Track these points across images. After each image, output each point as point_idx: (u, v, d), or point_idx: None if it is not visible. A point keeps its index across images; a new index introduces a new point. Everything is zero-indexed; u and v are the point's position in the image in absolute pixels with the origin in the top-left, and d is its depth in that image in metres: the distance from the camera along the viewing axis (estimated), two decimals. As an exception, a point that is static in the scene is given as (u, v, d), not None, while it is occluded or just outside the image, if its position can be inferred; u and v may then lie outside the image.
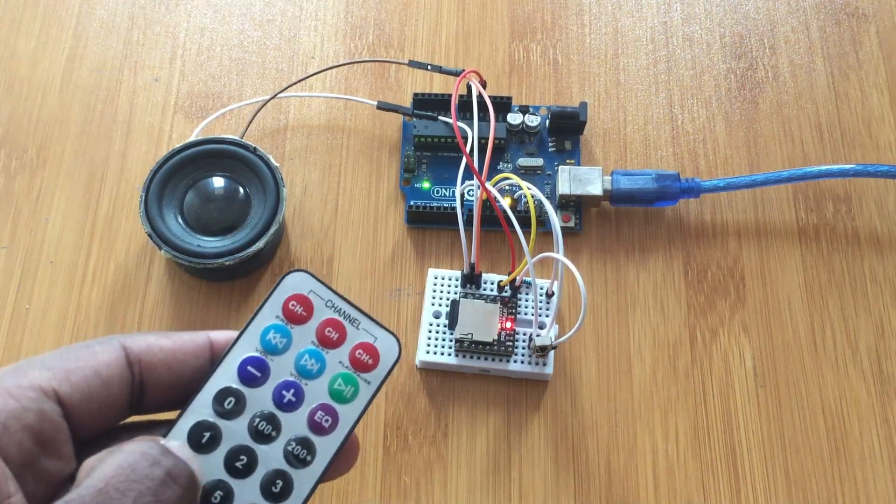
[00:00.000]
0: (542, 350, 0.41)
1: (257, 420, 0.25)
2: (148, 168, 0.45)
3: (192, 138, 0.45)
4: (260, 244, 0.43)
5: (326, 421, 0.26)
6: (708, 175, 0.48)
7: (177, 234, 0.43)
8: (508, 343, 0.42)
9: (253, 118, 0.48)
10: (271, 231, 0.43)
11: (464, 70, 0.45)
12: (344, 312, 0.27)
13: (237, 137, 0.45)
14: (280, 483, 0.25)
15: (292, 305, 0.27)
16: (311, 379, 0.26)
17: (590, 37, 0.52)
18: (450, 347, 0.43)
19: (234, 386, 0.25)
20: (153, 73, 0.51)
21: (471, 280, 0.43)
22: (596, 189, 0.46)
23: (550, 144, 0.49)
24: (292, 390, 0.26)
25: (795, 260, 0.46)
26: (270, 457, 0.25)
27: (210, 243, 0.43)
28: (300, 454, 0.25)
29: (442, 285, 0.44)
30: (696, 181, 0.46)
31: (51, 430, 0.23)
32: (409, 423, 0.43)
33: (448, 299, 0.44)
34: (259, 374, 0.26)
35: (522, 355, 0.42)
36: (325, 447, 0.26)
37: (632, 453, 0.42)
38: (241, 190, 0.45)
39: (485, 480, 0.42)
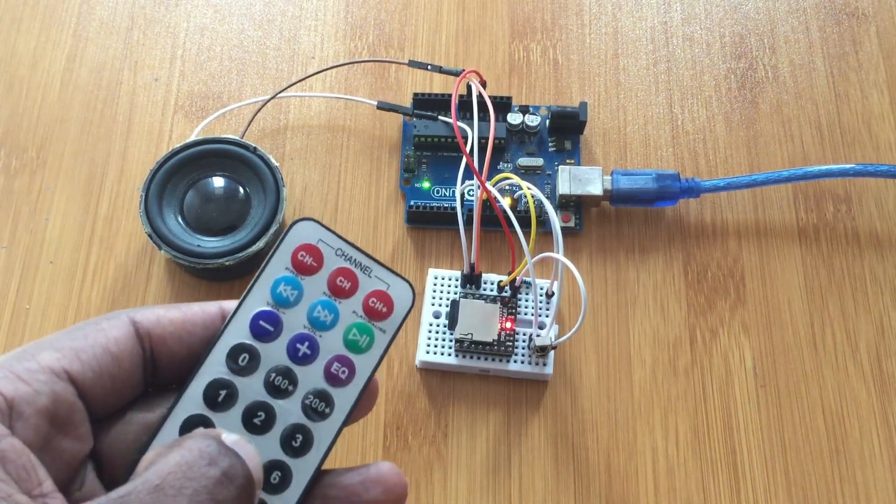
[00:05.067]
0: (542, 350, 0.41)
1: (273, 375, 0.25)
2: (148, 168, 0.45)
3: (192, 138, 0.45)
4: (260, 244, 0.43)
5: (343, 372, 0.25)
6: (708, 175, 0.48)
7: (177, 234, 0.43)
8: (508, 343, 0.42)
9: (253, 118, 0.48)
10: (271, 231, 0.43)
11: (464, 70, 0.45)
12: (355, 260, 0.26)
13: (237, 137, 0.45)
14: (300, 437, 0.25)
15: (301, 256, 0.26)
16: (326, 330, 0.26)
17: (590, 37, 0.52)
18: (450, 347, 0.43)
19: (246, 342, 0.25)
20: (153, 73, 0.51)
21: (471, 280, 0.43)
22: (596, 189, 0.46)
23: (550, 144, 0.49)
24: (307, 343, 0.25)
25: (795, 260, 0.46)
26: (288, 411, 0.25)
27: (210, 243, 0.43)
28: (318, 407, 0.25)
29: (442, 285, 0.44)
30: (696, 181, 0.46)
31: (66, 411, 0.22)
32: (409, 423, 0.43)
33: (448, 299, 0.44)
34: (272, 329, 0.25)
35: (522, 355, 0.42)
36: (344, 398, 0.25)
37: (632, 453, 0.42)
38: (241, 190, 0.45)
39: (485, 480, 0.42)
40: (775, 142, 0.49)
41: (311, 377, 0.25)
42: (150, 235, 0.43)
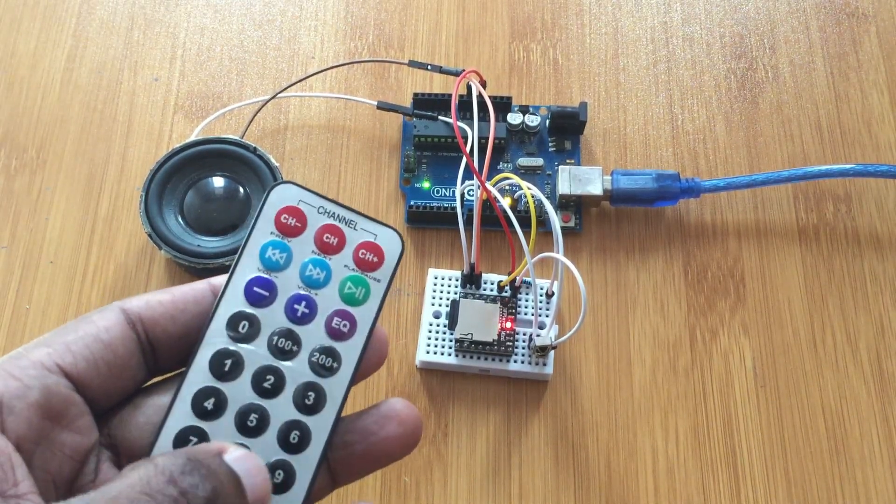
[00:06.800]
0: (542, 350, 0.41)
1: (276, 338, 0.25)
2: (148, 168, 0.45)
3: (192, 138, 0.45)
4: (260, 244, 0.43)
5: (345, 326, 0.26)
6: (708, 175, 0.48)
7: (177, 234, 0.43)
8: (508, 343, 0.42)
9: (253, 118, 0.48)
10: (271, 231, 0.43)
11: (464, 70, 0.45)
12: (338, 216, 0.27)
13: (237, 137, 0.45)
14: (312, 395, 0.25)
15: (284, 218, 0.26)
16: (320, 288, 0.26)
17: (590, 37, 0.52)
18: (450, 347, 0.43)
19: (244, 309, 0.25)
20: (153, 73, 0.51)
21: (471, 280, 0.43)
22: (596, 189, 0.46)
23: (550, 144, 0.49)
24: (304, 302, 0.26)
25: (795, 260, 0.46)
26: (297, 371, 0.25)
27: (210, 243, 0.43)
28: (326, 363, 0.25)
29: (442, 285, 0.44)
30: (696, 181, 0.46)
31: (60, 403, 0.22)
32: (409, 423, 0.43)
33: (448, 299, 0.44)
34: (267, 293, 0.25)
35: (522, 355, 0.42)
36: (350, 351, 0.26)
37: (632, 453, 0.42)
38: (241, 190, 0.45)
39: (485, 480, 0.42)
40: (775, 142, 0.49)
41: (313, 335, 0.25)
42: (150, 235, 0.43)
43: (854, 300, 0.45)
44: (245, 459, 0.22)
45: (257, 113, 0.48)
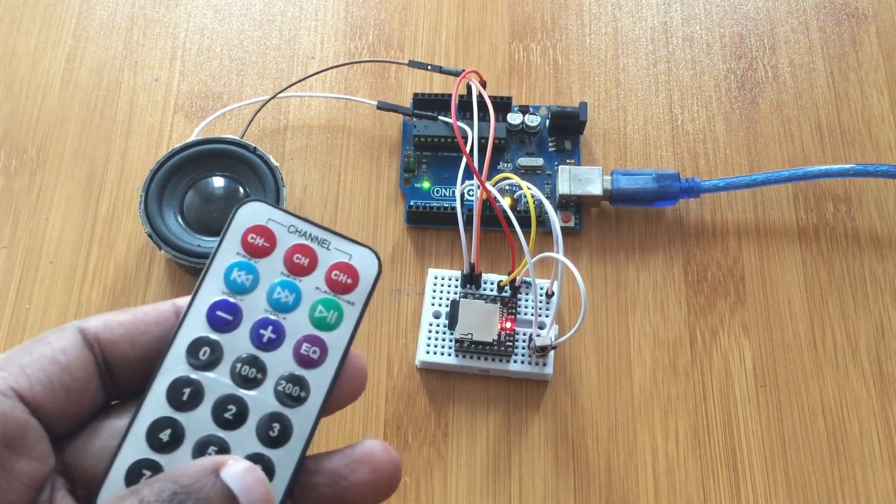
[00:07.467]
0: (542, 350, 0.41)
1: (239, 365, 0.24)
2: (148, 168, 0.45)
3: (192, 138, 0.45)
4: (260, 244, 0.43)
5: (314, 352, 0.24)
6: (708, 175, 0.48)
7: (177, 234, 0.43)
8: (508, 343, 0.42)
9: (253, 118, 0.48)
10: (271, 231, 0.43)
11: (464, 70, 0.45)
12: (310, 235, 0.25)
13: (237, 137, 0.45)
14: (277, 426, 0.23)
15: (251, 238, 0.25)
16: (289, 312, 0.25)
17: (590, 37, 0.52)
18: (450, 347, 0.43)
19: (205, 335, 0.24)
20: (153, 73, 0.51)
21: (471, 280, 0.43)
22: (596, 189, 0.46)
23: (550, 144, 0.49)
24: (270, 327, 0.24)
25: (795, 260, 0.46)
26: (261, 401, 0.24)
27: (210, 243, 0.43)
28: (293, 392, 0.24)
29: (442, 285, 0.44)
30: (696, 181, 0.46)
31: (16, 429, 0.22)
32: (409, 423, 0.43)
33: (448, 299, 0.44)
34: (231, 318, 0.24)
35: (522, 355, 0.42)
36: (319, 379, 0.24)
37: (632, 453, 0.42)
38: (241, 190, 0.45)
39: (485, 480, 0.42)
40: (775, 142, 0.49)
41: (280, 362, 0.24)
42: (150, 235, 0.43)
43: (854, 300, 0.45)
44: (245, 475, 0.21)
45: (257, 113, 0.48)
